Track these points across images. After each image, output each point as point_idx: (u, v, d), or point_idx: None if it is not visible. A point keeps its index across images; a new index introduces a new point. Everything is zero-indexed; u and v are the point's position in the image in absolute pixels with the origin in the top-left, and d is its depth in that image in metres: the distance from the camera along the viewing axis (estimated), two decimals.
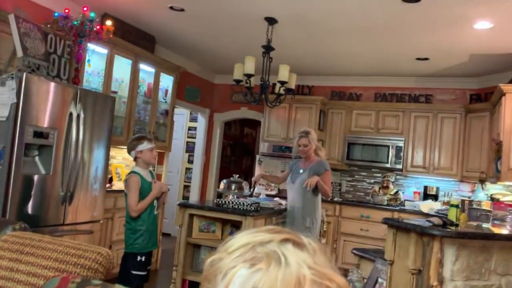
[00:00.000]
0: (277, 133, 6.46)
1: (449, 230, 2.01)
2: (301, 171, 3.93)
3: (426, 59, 5.37)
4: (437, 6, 3.77)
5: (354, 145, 6.23)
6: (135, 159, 3.19)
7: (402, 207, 5.79)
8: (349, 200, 6.30)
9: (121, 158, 5.36)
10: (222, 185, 4.04)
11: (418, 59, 5.41)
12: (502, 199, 4.87)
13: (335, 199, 6.11)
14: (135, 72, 4.97)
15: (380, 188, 6.16)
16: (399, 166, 5.96)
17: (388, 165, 6.01)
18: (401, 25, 4.32)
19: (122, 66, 4.87)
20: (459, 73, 5.85)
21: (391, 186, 6.12)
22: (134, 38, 5.15)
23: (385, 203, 5.93)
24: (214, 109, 7.48)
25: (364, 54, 5.44)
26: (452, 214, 2.23)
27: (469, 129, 5.64)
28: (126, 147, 3.31)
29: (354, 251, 3.00)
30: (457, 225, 2.18)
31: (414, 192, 6.00)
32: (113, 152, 5.27)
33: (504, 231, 2.45)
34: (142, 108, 5.28)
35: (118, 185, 4.88)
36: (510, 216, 2.88)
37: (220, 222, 3.79)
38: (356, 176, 6.58)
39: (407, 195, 6.06)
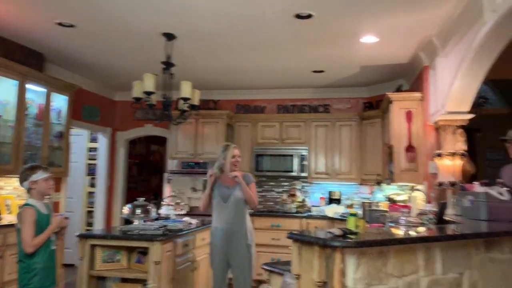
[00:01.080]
0: (186, 149, 6.34)
1: (348, 240, 2.09)
2: (228, 187, 3.70)
3: (322, 71, 5.67)
4: (327, 22, 4.00)
5: (262, 156, 6.34)
6: (29, 190, 2.90)
7: (310, 213, 6.01)
8: (260, 210, 6.37)
9: (11, 188, 4.85)
10: (126, 210, 3.82)
11: (314, 71, 5.68)
12: (396, 198, 5.28)
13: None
14: (21, 93, 4.54)
15: (288, 196, 6.33)
16: (305, 174, 6.18)
17: (294, 174, 6.21)
18: (296, 39, 4.50)
19: (7, 87, 4.43)
20: (352, 83, 6.27)
21: (298, 193, 6.33)
22: (19, 56, 4.72)
23: (294, 210, 6.10)
24: (116, 128, 7.13)
25: (265, 68, 5.58)
26: (351, 223, 2.33)
27: (365, 135, 6.06)
28: (16, 176, 3.00)
29: (263, 267, 3.01)
30: (356, 234, 2.28)
31: (320, 198, 6.27)
32: (1, 182, 4.76)
33: (400, 233, 2.62)
34: (32, 131, 4.83)
35: (8, 218, 4.40)
36: (403, 218, 3.11)
37: (125, 250, 3.58)
38: (265, 187, 6.70)
39: (313, 201, 6.31)
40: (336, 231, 2.21)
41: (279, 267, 2.86)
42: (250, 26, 4.16)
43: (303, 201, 6.29)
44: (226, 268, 3.69)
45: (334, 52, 4.89)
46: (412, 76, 5.44)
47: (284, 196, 6.38)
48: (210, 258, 3.75)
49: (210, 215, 3.86)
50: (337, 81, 6.14)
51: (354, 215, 2.39)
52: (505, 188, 3.11)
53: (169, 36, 4.42)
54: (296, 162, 6.19)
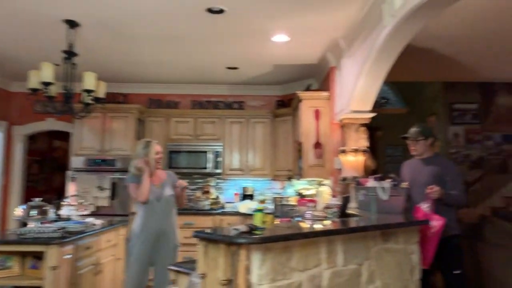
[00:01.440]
0: (92, 145, 5.96)
1: (254, 236, 2.09)
2: (157, 186, 3.62)
3: (236, 68, 5.67)
4: (239, 18, 3.99)
5: (175, 153, 6.18)
6: None
7: (223, 210, 6.00)
8: None
9: None
10: (19, 211, 3.48)
11: (228, 68, 5.66)
12: (305, 193, 5.47)
13: None
14: None
15: (202, 193, 6.26)
16: (219, 171, 6.15)
17: (208, 170, 6.15)
18: (209, 34, 4.43)
19: None
20: (266, 81, 6.36)
21: (212, 190, 6.29)
22: None
23: (208, 208, 6.05)
24: (12, 122, 6.49)
25: (177, 62, 5.43)
26: (257, 219, 2.33)
27: (277, 132, 6.18)
28: None
29: (169, 267, 2.91)
30: (263, 229, 2.29)
31: (234, 194, 6.28)
32: None
33: (306, 227, 2.68)
34: None
35: None
36: (309, 212, 3.21)
37: (19, 255, 3.25)
38: None
39: (227, 198, 6.31)
40: (242, 227, 2.20)
41: (186, 266, 2.79)
42: (160, 18, 4.02)
43: (217, 197, 6.26)
44: (148, 269, 3.61)
45: (248, 50, 4.91)
46: (321, 76, 5.66)
47: (198, 193, 6.30)
48: (132, 259, 3.58)
49: (120, 215, 3.68)
50: (251, 78, 6.19)
51: (260, 211, 2.40)
52: (390, 182, 3.33)
53: (71, 24, 4.10)
54: (210, 158, 6.13)
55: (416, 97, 8.05)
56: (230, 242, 2.11)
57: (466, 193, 3.49)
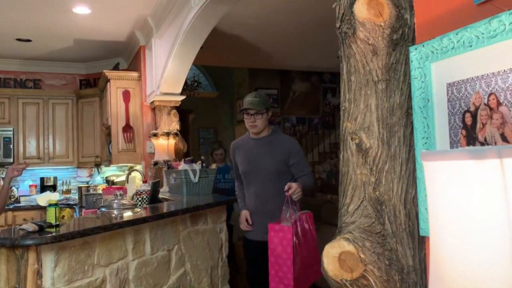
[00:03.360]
0: None
1: (44, 236, 1.80)
2: None
3: (29, 40, 4.90)
4: None
5: None
6: None
7: (17, 205, 5.21)
8: None
9: None
10: None
11: (19, 39, 4.85)
12: (116, 180, 5.16)
13: None
14: None
15: None
16: (10, 160, 5.28)
17: None
18: None
19: None
20: (67, 58, 5.69)
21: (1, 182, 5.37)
22: None
23: None
24: None
25: None
26: (51, 215, 2.03)
27: (82, 115, 5.64)
28: None
29: None
30: (57, 226, 2.00)
31: (30, 186, 5.51)
32: None
33: (112, 217, 2.48)
34: None
35: None
36: (116, 201, 2.99)
37: None
38: None
39: (22, 190, 5.49)
40: (30, 226, 1.88)
41: None
42: None
43: (10, 189, 5.38)
44: None
45: (42, 20, 4.27)
46: (130, 55, 5.36)
47: None
48: None
49: None
50: (48, 53, 5.45)
51: (55, 205, 2.10)
52: (199, 164, 3.39)
53: None
54: None
55: (226, 82, 8.45)
56: (14, 245, 1.78)
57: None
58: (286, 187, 2.36)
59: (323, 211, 4.08)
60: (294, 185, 2.36)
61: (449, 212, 0.65)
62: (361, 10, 1.16)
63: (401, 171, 1.13)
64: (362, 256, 1.10)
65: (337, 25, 1.26)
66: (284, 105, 7.98)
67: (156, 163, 4.24)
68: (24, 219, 4.97)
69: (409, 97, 1.12)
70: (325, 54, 6.26)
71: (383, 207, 1.12)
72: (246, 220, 2.74)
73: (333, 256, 1.11)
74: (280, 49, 6.01)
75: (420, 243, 1.11)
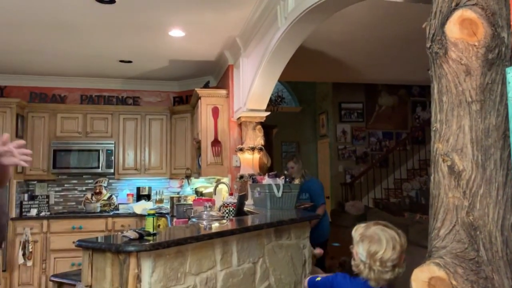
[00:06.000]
0: None
1: (143, 243, 1.97)
2: None
3: (130, 61, 5.39)
4: (133, 9, 3.77)
5: (61, 152, 5.68)
6: None
7: (116, 212, 5.69)
8: (59, 212, 5.74)
9: None
10: None
11: (121, 61, 5.36)
12: (204, 191, 5.42)
13: (42, 214, 5.44)
14: None
15: (92, 195, 5.86)
16: (111, 170, 5.81)
17: (99, 170, 5.77)
18: (99, 25, 4.13)
19: None
20: (162, 77, 6.15)
21: (104, 191, 5.92)
22: None
23: (99, 210, 5.68)
24: None
25: (65, 52, 4.98)
26: (149, 224, 2.22)
27: (175, 130, 6.03)
28: None
29: (52, 278, 2.65)
30: (155, 235, 2.18)
31: (128, 194, 5.98)
32: None
33: (201, 228, 2.62)
34: None
35: None
36: (205, 212, 3.15)
37: None
38: (66, 185, 6.04)
39: (121, 199, 5.99)
40: (132, 234, 2.07)
41: (71, 277, 2.56)
42: (43, 5, 3.63)
43: (110, 199, 5.91)
44: None
45: (142, 43, 4.68)
46: (219, 74, 5.63)
47: (88, 194, 5.88)
48: None
49: None
50: (147, 73, 5.94)
51: (153, 215, 2.29)
52: (283, 179, 3.45)
53: None
54: (102, 157, 5.76)
55: (308, 96, 8.49)
56: (118, 251, 1.97)
57: None
58: None
59: (411, 231, 3.91)
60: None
61: None
62: (453, 30, 1.14)
63: (498, 195, 1.07)
64: (454, 282, 1.06)
65: (428, 45, 1.25)
66: (369, 120, 7.79)
67: (241, 177, 4.38)
68: (122, 225, 5.41)
69: (506, 119, 1.07)
70: (414, 67, 6.04)
71: (477, 232, 1.08)
72: None
73: (422, 281, 1.09)
74: (365, 63, 5.92)
75: None
